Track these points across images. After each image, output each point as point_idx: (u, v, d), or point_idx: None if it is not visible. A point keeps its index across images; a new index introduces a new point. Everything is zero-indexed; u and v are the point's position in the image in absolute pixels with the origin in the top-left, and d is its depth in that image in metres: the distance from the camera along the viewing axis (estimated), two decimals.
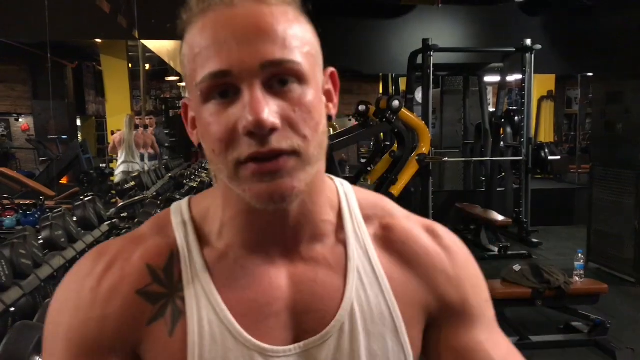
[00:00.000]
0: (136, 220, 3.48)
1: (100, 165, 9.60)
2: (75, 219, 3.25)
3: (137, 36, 5.02)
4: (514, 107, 6.95)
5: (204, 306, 0.63)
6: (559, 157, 7.19)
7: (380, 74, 10.50)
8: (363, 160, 8.71)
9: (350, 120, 11.80)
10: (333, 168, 4.88)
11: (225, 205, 0.66)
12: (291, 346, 0.64)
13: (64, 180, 8.89)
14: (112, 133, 8.87)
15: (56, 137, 10.19)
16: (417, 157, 5.31)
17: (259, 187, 0.57)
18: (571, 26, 7.49)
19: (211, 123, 0.58)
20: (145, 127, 8.54)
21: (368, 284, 0.67)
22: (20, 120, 12.86)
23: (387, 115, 5.05)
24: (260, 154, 0.56)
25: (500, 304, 3.61)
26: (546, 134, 11.49)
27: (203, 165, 6.34)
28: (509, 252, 5.99)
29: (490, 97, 10.53)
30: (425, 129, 5.50)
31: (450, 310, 0.70)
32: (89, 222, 3.35)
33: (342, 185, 0.73)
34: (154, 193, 4.84)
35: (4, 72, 12.23)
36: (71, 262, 2.76)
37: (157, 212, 3.01)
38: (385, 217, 0.72)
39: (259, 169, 0.57)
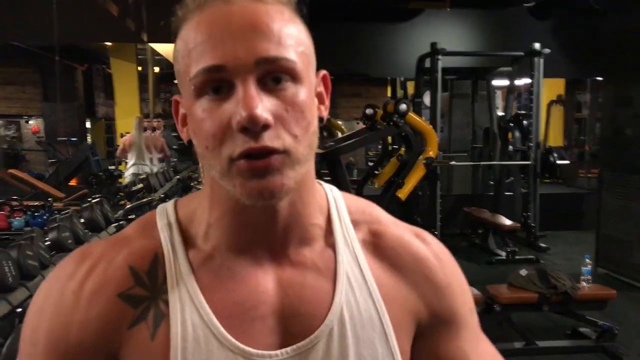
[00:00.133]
0: None
1: (109, 167, 9.65)
2: (82, 220, 3.27)
3: (145, 39, 5.05)
4: (523, 111, 6.92)
5: (188, 309, 0.62)
6: (568, 162, 7.13)
7: (389, 78, 10.50)
8: (371, 164, 8.70)
9: (358, 123, 11.80)
10: (340, 171, 4.87)
11: (212, 206, 0.65)
12: (278, 351, 0.63)
13: (73, 182, 8.95)
14: (122, 135, 8.91)
15: (66, 139, 10.26)
16: (424, 161, 5.30)
17: (250, 184, 0.57)
18: (580, 30, 7.46)
19: (204, 119, 0.58)
20: (154, 129, 8.58)
21: (357, 289, 0.66)
22: (30, 122, 12.96)
23: (395, 118, 5.05)
24: (253, 149, 0.56)
25: (506, 308, 3.60)
26: (555, 139, 11.42)
27: None
28: (517, 257, 5.97)
29: (500, 101, 10.48)
30: (432, 132, 5.49)
31: (437, 318, 0.70)
32: (96, 224, 3.37)
33: (331, 191, 0.73)
34: (162, 195, 4.86)
35: (15, 75, 12.33)
36: None
37: None
38: (374, 223, 0.72)
39: (251, 166, 0.57)
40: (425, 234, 0.74)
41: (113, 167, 9.61)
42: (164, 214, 0.69)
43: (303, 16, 0.64)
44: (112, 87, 10.79)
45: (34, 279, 2.39)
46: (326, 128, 8.14)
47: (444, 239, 5.06)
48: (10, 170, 6.83)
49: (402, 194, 5.16)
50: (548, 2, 6.60)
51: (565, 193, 8.53)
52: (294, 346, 0.63)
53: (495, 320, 3.59)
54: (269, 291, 0.64)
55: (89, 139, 12.03)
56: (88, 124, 12.86)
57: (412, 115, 5.29)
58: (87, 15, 4.91)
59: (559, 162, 6.52)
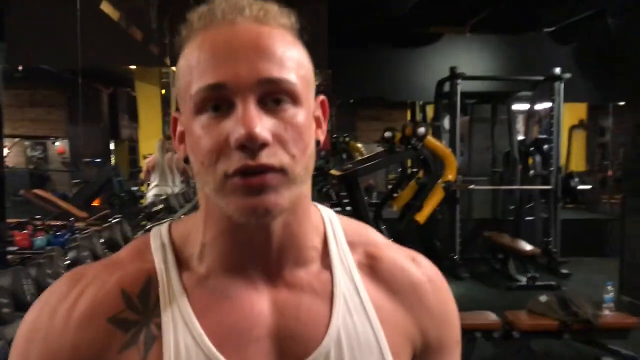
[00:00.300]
0: None
1: (132, 188, 9.76)
2: (102, 240, 3.31)
3: (168, 63, 5.16)
4: (544, 136, 6.87)
5: (181, 331, 0.61)
6: (589, 187, 7.05)
7: (408, 102, 10.52)
8: (390, 187, 8.69)
9: (378, 146, 11.80)
10: (358, 193, 4.87)
11: (207, 225, 0.65)
12: None
13: (96, 203, 9.06)
14: (144, 157, 9.02)
15: (90, 160, 10.42)
16: (443, 184, 5.28)
17: (244, 201, 0.57)
18: (602, 54, 7.40)
19: (202, 136, 0.59)
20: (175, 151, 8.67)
21: (354, 311, 0.65)
22: (56, 143, 13.20)
23: (413, 142, 5.05)
24: (249, 167, 0.56)
25: (525, 335, 3.54)
26: (577, 164, 11.28)
27: None
28: (537, 283, 5.87)
29: (521, 125, 10.42)
30: (451, 156, 5.48)
31: (427, 346, 0.70)
32: (116, 244, 3.41)
33: (327, 212, 0.72)
34: (182, 216, 4.90)
35: (42, 97, 12.61)
36: None
37: None
38: (370, 246, 0.71)
39: (245, 183, 0.57)
40: (420, 258, 0.74)
41: (136, 188, 9.72)
42: (158, 235, 0.68)
43: (304, 42, 0.65)
44: (136, 110, 10.96)
45: None
46: (345, 150, 8.17)
47: (463, 263, 5.02)
48: (34, 190, 6.95)
49: (421, 217, 5.14)
50: (568, 26, 6.58)
51: (588, 219, 8.39)
52: None
53: (514, 347, 3.54)
54: (264, 313, 0.64)
55: (112, 161, 12.20)
56: (112, 146, 13.06)
57: (430, 138, 5.29)
58: (113, 39, 5.04)
59: (580, 187, 6.44)
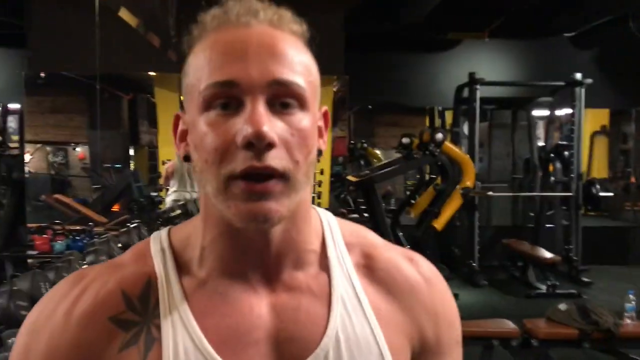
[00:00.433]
0: None
1: (152, 193, 9.84)
2: (119, 245, 3.35)
3: None
4: (564, 142, 6.79)
5: (180, 333, 0.62)
6: (612, 194, 6.94)
7: (427, 107, 10.47)
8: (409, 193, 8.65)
9: (396, 153, 11.75)
10: (375, 200, 4.85)
11: (206, 227, 0.65)
12: None
13: (116, 208, 9.15)
14: (163, 163, 9.10)
15: (110, 165, 10.54)
16: (461, 191, 5.24)
17: (244, 206, 0.57)
18: (624, 59, 7.31)
19: (208, 133, 0.59)
20: None
21: (353, 312, 0.65)
22: (77, 149, 13.38)
23: (431, 147, 5.03)
24: (255, 168, 0.56)
25: (544, 344, 3.48)
26: (600, 170, 11.11)
27: None
28: (558, 291, 5.79)
29: (541, 131, 10.33)
30: (469, 162, 5.43)
31: (426, 345, 0.69)
32: None
33: (325, 215, 0.73)
34: None
35: (63, 103, 12.79)
36: None
37: None
38: (367, 246, 0.72)
39: (248, 188, 0.57)
40: (418, 257, 0.74)
41: (155, 194, 9.79)
42: (158, 240, 0.69)
43: (315, 50, 0.66)
44: (156, 116, 11.07)
45: None
46: (363, 157, 8.15)
47: (481, 270, 4.96)
48: (55, 196, 7.06)
49: (438, 224, 5.10)
50: (589, 31, 6.50)
51: (610, 226, 8.27)
52: None
53: (532, 355, 3.48)
54: (263, 316, 0.64)
55: (132, 166, 12.33)
56: (132, 151, 13.19)
57: (448, 144, 5.26)
58: (132, 46, 5.10)
59: (601, 194, 6.35)
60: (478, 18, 6.86)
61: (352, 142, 8.08)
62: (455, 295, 5.23)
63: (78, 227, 4.90)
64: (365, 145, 8.27)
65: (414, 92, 7.81)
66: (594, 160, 11.01)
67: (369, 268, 0.70)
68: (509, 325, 3.51)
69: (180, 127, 0.66)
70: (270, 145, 0.57)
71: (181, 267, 0.66)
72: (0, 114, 8.01)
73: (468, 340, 3.38)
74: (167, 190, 8.06)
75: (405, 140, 5.37)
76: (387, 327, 0.66)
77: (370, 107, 8.90)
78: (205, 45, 0.61)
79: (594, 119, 10.56)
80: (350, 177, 5.22)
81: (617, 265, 7.15)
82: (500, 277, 6.72)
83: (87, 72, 5.23)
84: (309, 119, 0.61)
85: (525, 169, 7.33)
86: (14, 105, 7.84)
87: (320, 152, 0.66)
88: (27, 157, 6.95)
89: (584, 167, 7.86)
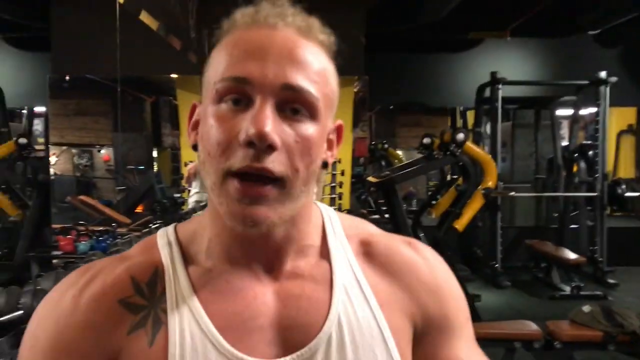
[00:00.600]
0: None
1: (175, 195, 9.94)
2: None
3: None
4: (589, 142, 6.69)
5: (186, 318, 0.63)
6: (638, 194, 6.80)
7: (449, 107, 10.41)
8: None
9: (418, 153, 11.70)
10: (395, 200, 4.83)
11: (213, 221, 0.67)
12: None
13: (139, 209, 9.26)
14: (186, 164, 9.18)
15: (134, 167, 10.67)
16: (482, 191, 5.19)
17: (236, 207, 0.58)
18: None
19: (214, 126, 0.60)
20: None
21: (354, 297, 0.67)
22: (102, 151, 13.57)
23: (452, 148, 4.98)
24: (252, 168, 0.57)
25: (568, 347, 3.43)
26: (626, 170, 10.92)
27: None
28: (582, 292, 5.70)
29: (565, 130, 10.19)
30: (491, 162, 5.38)
31: (430, 322, 0.70)
32: None
33: (327, 210, 0.74)
34: None
35: (88, 106, 12.98)
36: None
37: None
38: (365, 235, 0.73)
39: (242, 190, 0.58)
40: (417, 242, 0.75)
41: (178, 195, 9.89)
42: (164, 234, 0.71)
43: (337, 68, 0.66)
44: (178, 118, 11.18)
45: None
46: (384, 157, 8.13)
47: (504, 271, 4.91)
48: (81, 197, 7.17)
49: (460, 224, 5.06)
50: (614, 29, 6.39)
51: (637, 227, 8.10)
52: (293, 355, 0.64)
53: (556, 358, 3.43)
54: (267, 303, 0.66)
55: (155, 168, 12.46)
56: (155, 153, 13.33)
57: (469, 144, 5.21)
58: (154, 49, 5.16)
59: (628, 194, 6.23)
60: (499, 17, 6.78)
61: (373, 142, 8.06)
62: (477, 297, 5.19)
63: (101, 228, 4.97)
64: (386, 145, 8.25)
65: (435, 92, 7.77)
66: (620, 159, 10.82)
67: (368, 254, 0.71)
68: (531, 327, 3.47)
69: (195, 116, 0.67)
70: (271, 148, 0.57)
71: (187, 258, 0.68)
72: (26, 117, 8.16)
73: (489, 342, 3.35)
74: (189, 191, 8.14)
75: (426, 140, 5.34)
76: (387, 308, 0.68)
77: (391, 107, 8.87)
78: (229, 41, 0.62)
79: (620, 118, 10.39)
80: (370, 178, 5.21)
81: None
82: (523, 278, 6.63)
83: (110, 75, 5.31)
84: (317, 129, 0.61)
85: (549, 169, 7.24)
86: (39, 108, 7.99)
87: (325, 165, 0.66)
88: (52, 159, 7.06)
89: (609, 167, 7.74)
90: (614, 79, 6.27)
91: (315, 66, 0.61)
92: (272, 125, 0.57)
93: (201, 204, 6.19)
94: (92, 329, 0.63)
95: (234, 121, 0.59)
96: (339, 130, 0.69)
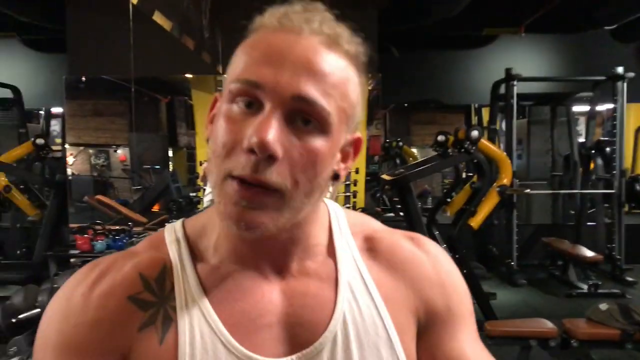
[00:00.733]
0: None
1: (191, 194, 10.00)
2: None
3: (220, 71, 5.27)
4: (606, 138, 6.61)
5: (196, 317, 0.63)
6: None
7: (464, 104, 10.35)
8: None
9: (433, 151, 11.63)
10: (410, 198, 4.81)
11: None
12: (284, 358, 0.64)
13: (156, 208, 9.33)
14: (201, 164, 9.23)
15: (150, 167, 10.76)
16: (497, 189, 5.15)
17: (232, 209, 0.58)
18: None
19: (224, 126, 0.60)
20: None
21: (359, 295, 0.67)
22: (118, 151, 13.68)
23: (466, 145, 4.95)
24: (250, 178, 0.57)
25: (584, 345, 3.41)
26: None
27: None
28: (600, 291, 5.65)
29: (583, 127, 10.08)
30: (506, 159, 5.33)
31: (434, 315, 0.70)
32: None
33: (334, 208, 0.74)
34: None
35: (104, 106, 13.09)
36: None
37: None
38: (369, 231, 0.74)
39: (240, 193, 0.58)
40: (420, 237, 0.75)
41: (193, 194, 9.95)
42: (172, 230, 0.71)
43: (365, 78, 0.65)
44: (193, 118, 11.24)
45: None
46: (399, 155, 8.10)
47: (520, 269, 4.87)
48: (97, 197, 7.24)
49: (475, 222, 5.02)
50: (631, 23, 6.30)
51: None
52: (299, 353, 0.64)
53: (573, 356, 3.41)
54: (274, 301, 0.66)
55: (170, 167, 12.54)
56: (170, 153, 13.42)
57: (484, 141, 5.18)
58: (169, 49, 5.19)
59: None
60: (513, 13, 6.72)
61: (387, 140, 8.04)
62: (493, 295, 5.16)
63: (118, 227, 5.02)
64: (400, 143, 8.22)
65: (449, 90, 7.73)
66: (638, 156, 10.68)
67: (372, 250, 0.72)
68: (547, 325, 3.44)
69: (215, 110, 0.66)
70: (272, 158, 0.57)
71: (196, 255, 0.68)
72: (43, 118, 8.25)
73: (505, 340, 3.33)
74: (205, 190, 8.18)
75: (440, 137, 5.31)
76: (391, 304, 0.68)
77: (405, 105, 8.83)
78: (252, 41, 0.62)
79: (638, 114, 10.24)
80: (385, 176, 5.20)
81: None
82: (539, 276, 6.58)
83: (126, 76, 5.35)
84: (326, 144, 0.60)
85: (565, 166, 7.17)
86: (56, 109, 8.07)
87: (337, 177, 0.65)
88: (70, 160, 7.14)
89: (627, 164, 7.64)
90: (631, 74, 6.20)
91: (333, 78, 0.59)
92: (275, 134, 0.56)
93: None
94: (103, 327, 0.63)
95: (243, 124, 0.58)
96: (356, 143, 0.68)
